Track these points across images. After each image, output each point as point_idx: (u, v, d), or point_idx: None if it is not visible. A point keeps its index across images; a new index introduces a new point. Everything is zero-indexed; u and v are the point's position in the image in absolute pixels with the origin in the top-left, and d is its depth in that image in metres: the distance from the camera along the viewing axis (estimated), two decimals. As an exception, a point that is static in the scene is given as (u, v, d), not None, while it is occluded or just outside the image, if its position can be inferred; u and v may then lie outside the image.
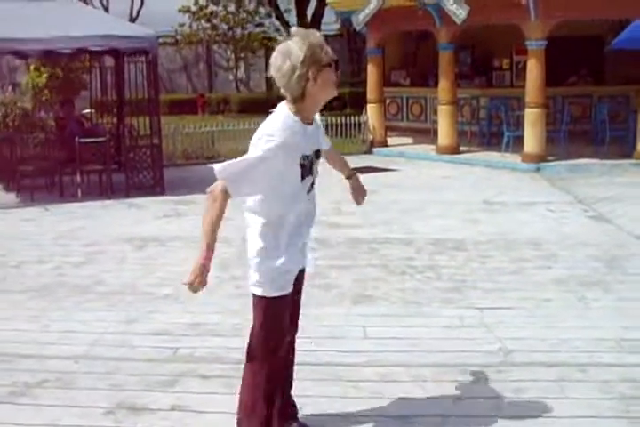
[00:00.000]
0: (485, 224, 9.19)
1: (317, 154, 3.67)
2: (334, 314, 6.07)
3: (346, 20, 18.81)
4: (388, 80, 18.20)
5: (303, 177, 3.55)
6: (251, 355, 3.78)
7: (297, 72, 3.33)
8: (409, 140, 17.04)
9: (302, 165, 3.50)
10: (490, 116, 16.28)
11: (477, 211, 10.00)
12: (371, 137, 16.39)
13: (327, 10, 20.81)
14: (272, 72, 3.44)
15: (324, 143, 3.85)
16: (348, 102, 24.41)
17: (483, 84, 17.74)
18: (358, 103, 19.69)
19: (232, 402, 4.50)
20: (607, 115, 14.90)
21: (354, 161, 14.68)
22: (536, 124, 13.58)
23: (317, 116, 3.72)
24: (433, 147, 15.35)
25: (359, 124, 16.56)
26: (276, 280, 3.61)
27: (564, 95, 16.31)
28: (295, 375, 4.86)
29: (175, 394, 4.67)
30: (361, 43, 23.52)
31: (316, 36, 3.41)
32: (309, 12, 21.95)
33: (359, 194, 4.24)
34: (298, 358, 5.10)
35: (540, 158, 13.62)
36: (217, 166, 3.35)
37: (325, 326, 5.74)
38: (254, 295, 3.68)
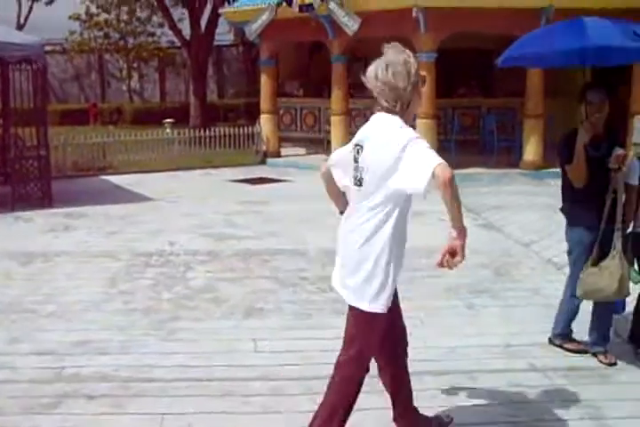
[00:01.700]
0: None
1: None
2: (225, 328, 5.96)
3: (239, 30, 18.80)
4: (281, 91, 18.23)
5: None
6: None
7: (412, 83, 3.48)
8: (302, 150, 17.10)
9: None
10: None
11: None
12: (264, 148, 16.35)
13: (221, 20, 20.67)
14: (381, 81, 3.52)
15: None
16: (243, 113, 24.37)
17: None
18: (252, 114, 19.65)
19: (118, 423, 4.37)
20: (495, 126, 15.31)
21: (247, 172, 14.75)
22: (427, 134, 13.75)
23: None
24: (326, 157, 15.36)
25: (253, 135, 16.49)
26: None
27: (454, 106, 16.67)
28: (186, 391, 4.78)
29: (59, 416, 4.48)
30: (255, 53, 23.50)
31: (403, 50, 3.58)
32: (203, 22, 21.77)
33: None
34: (188, 373, 5.02)
35: (430, 168, 13.82)
36: (439, 163, 3.39)
37: (216, 341, 5.65)
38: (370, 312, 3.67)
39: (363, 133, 3.73)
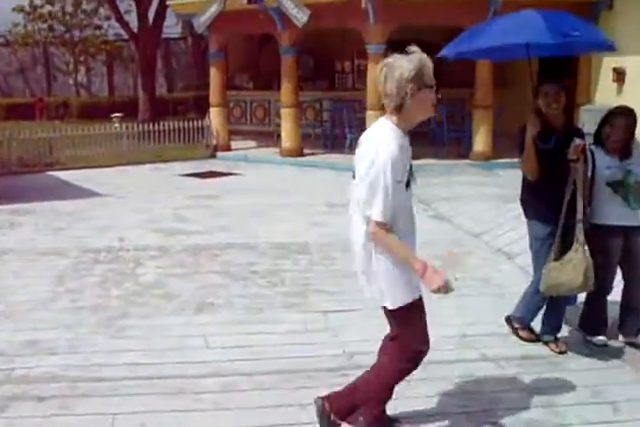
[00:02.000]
0: (329, 226, 9.23)
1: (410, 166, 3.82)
2: (175, 324, 5.89)
3: (188, 22, 18.60)
4: (231, 83, 18.11)
5: (408, 185, 3.79)
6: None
7: (404, 87, 3.52)
8: (253, 143, 17.02)
9: (409, 173, 3.75)
10: (333, 118, 16.49)
11: (321, 213, 10.04)
12: (214, 141, 16.23)
13: (169, 12, 20.42)
14: (379, 83, 3.61)
15: None
16: (192, 106, 24.17)
17: (325, 86, 17.95)
18: (202, 107, 19.49)
19: (68, 424, 4.28)
20: (445, 117, 15.39)
21: (197, 166, 14.63)
22: (376, 126, 13.81)
23: None
24: (277, 150, 15.37)
25: (202, 129, 16.35)
26: None
27: (405, 98, 16.69)
28: (136, 390, 4.71)
29: (6, 420, 4.37)
30: (205, 46, 23.30)
31: (427, 58, 3.63)
32: (150, 14, 21.48)
33: None
34: (138, 372, 4.95)
35: (381, 160, 13.86)
36: (378, 217, 3.60)
37: (166, 337, 5.58)
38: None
39: (365, 133, 3.88)
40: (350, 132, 14.79)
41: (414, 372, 4.87)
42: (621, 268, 5.32)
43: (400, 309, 3.82)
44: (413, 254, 3.68)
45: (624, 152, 5.15)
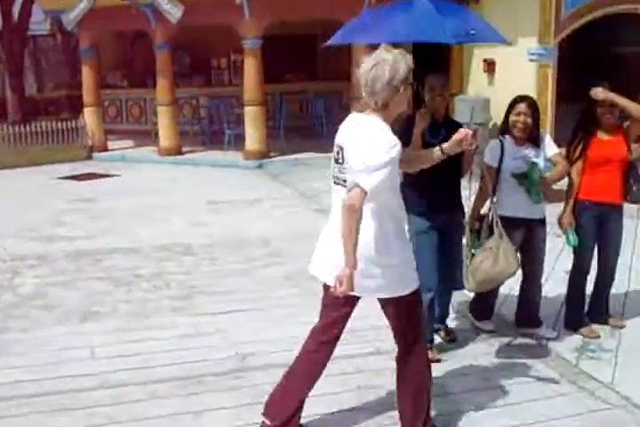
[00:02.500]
0: (213, 225, 9.11)
1: None
2: (58, 335, 5.64)
3: (56, 19, 17.99)
4: (105, 82, 17.63)
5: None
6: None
7: (393, 83, 3.53)
8: (130, 142, 16.60)
9: None
10: (210, 115, 16.31)
11: (204, 212, 9.90)
12: (90, 142, 15.75)
13: (35, 8, 19.66)
14: (364, 79, 3.58)
15: None
16: (65, 106, 23.39)
17: (201, 83, 17.73)
18: (75, 107, 18.87)
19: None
20: (323, 110, 15.47)
21: (73, 168, 14.15)
22: (256, 121, 13.77)
23: None
24: (155, 149, 15.05)
25: (77, 129, 15.83)
26: None
27: (282, 92, 16.69)
28: (19, 410, 4.49)
29: None
30: (75, 43, 22.57)
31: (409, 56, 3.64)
32: (15, 10, 20.64)
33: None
34: (20, 390, 4.72)
35: (262, 155, 13.84)
36: (367, 185, 3.49)
37: (49, 351, 5.33)
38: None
39: (342, 135, 3.78)
40: (229, 128, 14.66)
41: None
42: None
43: (405, 298, 3.80)
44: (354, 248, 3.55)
45: (532, 142, 5.23)
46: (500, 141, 5.22)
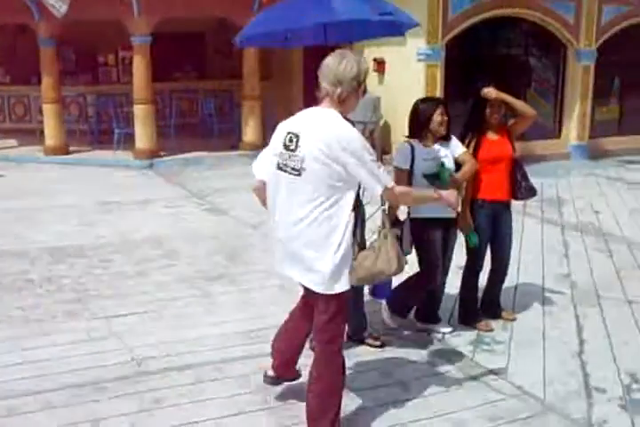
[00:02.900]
0: (104, 227, 8.89)
1: None
2: (-55, 345, 5.39)
3: None
4: (-16, 78, 16.97)
5: None
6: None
7: (356, 79, 3.78)
8: (14, 142, 16.01)
9: None
10: (98, 113, 15.93)
11: (94, 213, 9.65)
12: (-29, 141, 15.14)
13: None
14: (332, 71, 3.76)
15: None
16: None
17: (89, 80, 17.29)
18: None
19: None
20: (213, 108, 15.35)
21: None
22: (145, 120, 13.54)
23: None
24: (41, 148, 14.58)
25: (-44, 128, 15.19)
26: None
27: (172, 90, 16.46)
28: None
29: None
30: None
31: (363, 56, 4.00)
32: None
33: None
34: None
35: (153, 154, 13.62)
36: (389, 183, 3.78)
37: None
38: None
39: (298, 123, 3.88)
40: (118, 127, 14.34)
41: (206, 373, 4.85)
42: None
43: (338, 295, 3.84)
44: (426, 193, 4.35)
45: (443, 140, 5.30)
46: (410, 144, 5.24)
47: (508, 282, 6.17)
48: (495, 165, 5.50)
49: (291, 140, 3.80)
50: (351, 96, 3.82)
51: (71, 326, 5.72)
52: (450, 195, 4.19)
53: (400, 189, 3.94)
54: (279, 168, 3.86)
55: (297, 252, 3.85)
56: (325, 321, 3.91)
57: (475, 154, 5.45)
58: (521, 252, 7.41)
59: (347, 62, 3.78)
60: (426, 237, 5.22)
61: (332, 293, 3.83)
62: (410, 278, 5.50)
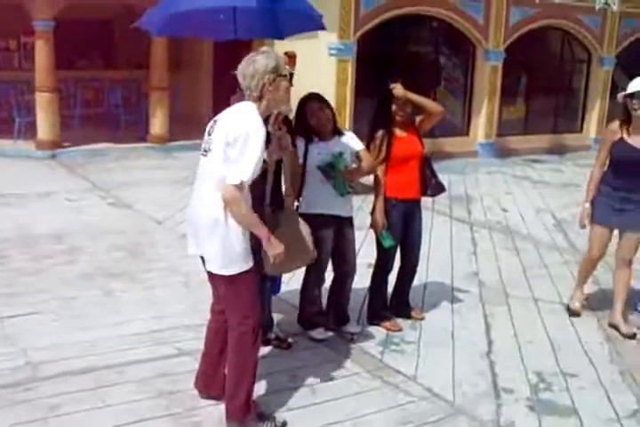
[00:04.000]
0: (1, 221, 8.46)
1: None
2: None
3: None
4: None
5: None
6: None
7: (257, 77, 3.88)
8: None
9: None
10: (-2, 100, 15.27)
11: (-9, 206, 9.20)
12: None
13: None
14: (239, 76, 3.96)
15: None
16: None
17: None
18: None
19: None
20: (120, 99, 14.90)
21: None
22: (48, 108, 13.01)
23: None
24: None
25: None
26: None
27: (76, 79, 15.87)
28: None
29: None
30: None
31: (278, 53, 4.04)
32: None
33: None
34: None
35: (56, 145, 13.10)
36: (241, 177, 3.73)
37: None
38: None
39: (223, 112, 4.04)
40: (19, 115, 13.76)
41: (106, 377, 4.61)
42: (332, 261, 5.39)
43: (232, 277, 3.92)
44: (260, 222, 3.92)
45: (336, 134, 5.18)
46: (305, 138, 5.11)
47: (417, 280, 6.14)
48: (406, 163, 5.42)
49: (212, 126, 3.98)
50: (266, 91, 3.91)
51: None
52: (276, 247, 3.91)
53: (237, 196, 3.73)
54: (201, 153, 4.01)
55: (197, 231, 3.99)
56: (227, 303, 4.07)
57: (386, 152, 5.35)
58: (430, 249, 7.37)
59: (256, 59, 3.92)
60: (316, 235, 4.77)
61: (225, 274, 3.92)
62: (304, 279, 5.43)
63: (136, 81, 15.81)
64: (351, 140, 5.26)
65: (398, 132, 5.41)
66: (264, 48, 4.08)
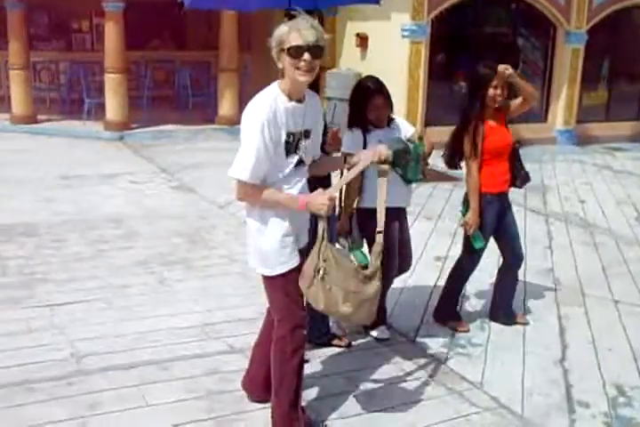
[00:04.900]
0: (62, 203, 8.34)
1: (307, 133, 3.52)
2: None
3: None
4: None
5: (288, 153, 3.44)
6: None
7: (273, 50, 3.34)
8: (-20, 108, 15.37)
9: (287, 142, 3.41)
10: (70, 81, 15.26)
11: (54, 187, 9.09)
12: None
13: None
14: None
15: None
16: None
17: (62, 47, 16.63)
18: None
19: None
20: (189, 80, 14.74)
21: None
22: (117, 90, 12.95)
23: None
24: (8, 116, 13.94)
25: None
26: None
27: (147, 60, 15.79)
28: None
29: None
30: None
31: (303, 19, 3.30)
32: None
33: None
34: None
35: (124, 126, 13.04)
36: (239, 175, 3.38)
37: None
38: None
39: None
40: (89, 96, 13.73)
41: (151, 374, 4.37)
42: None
43: (265, 277, 3.62)
44: (292, 196, 3.46)
45: (387, 123, 4.81)
46: (361, 127, 4.73)
47: (489, 276, 5.74)
48: (500, 155, 4.99)
49: None
50: (283, 65, 3.34)
51: (10, 315, 5.20)
52: (314, 200, 3.37)
53: (247, 189, 3.39)
54: None
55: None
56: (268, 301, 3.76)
57: (481, 145, 4.92)
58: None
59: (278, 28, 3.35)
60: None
61: (259, 273, 3.63)
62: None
63: (206, 62, 15.64)
64: (402, 124, 4.89)
65: (491, 121, 4.95)
66: (302, 16, 3.38)
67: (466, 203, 5.08)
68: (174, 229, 7.40)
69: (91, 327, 5.00)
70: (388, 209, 4.58)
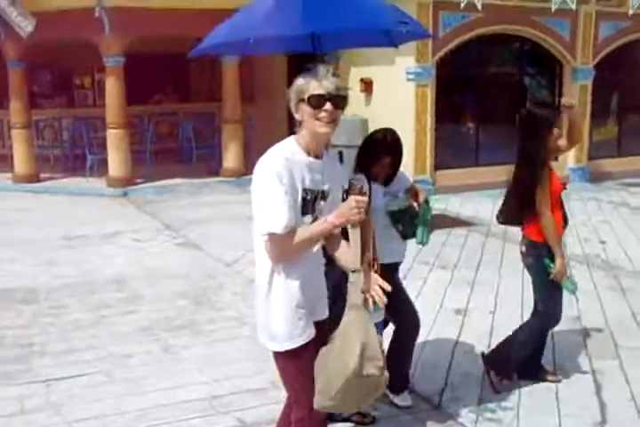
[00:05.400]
0: (63, 265, 8.03)
1: (324, 194, 3.19)
2: None
3: None
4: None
5: (303, 213, 3.10)
6: None
7: (291, 102, 3.12)
8: (-17, 169, 15.17)
9: (304, 199, 3.10)
10: (73, 138, 15.09)
11: (57, 248, 8.79)
12: None
13: None
14: None
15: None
16: None
17: (64, 103, 16.55)
18: None
19: None
20: (193, 133, 14.55)
21: None
22: (119, 145, 12.75)
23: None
24: (10, 175, 13.73)
25: None
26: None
27: (150, 114, 15.67)
28: None
29: None
30: None
31: (323, 70, 3.09)
32: None
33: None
34: None
35: (127, 182, 12.80)
36: (265, 230, 3.05)
37: None
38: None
39: None
40: (91, 152, 13.54)
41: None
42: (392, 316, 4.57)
43: (274, 353, 3.23)
44: (319, 222, 3.09)
45: (390, 178, 4.47)
46: (366, 175, 4.31)
47: (512, 326, 5.34)
48: (558, 200, 4.71)
49: None
50: (302, 117, 3.09)
51: (5, 394, 4.85)
52: (340, 214, 3.01)
53: (277, 246, 3.06)
54: None
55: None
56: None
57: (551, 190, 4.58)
58: (524, 288, 6.57)
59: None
60: (394, 282, 4.02)
61: (269, 348, 3.24)
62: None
63: (210, 113, 15.49)
64: (402, 175, 4.54)
65: (551, 163, 4.64)
66: (322, 65, 3.19)
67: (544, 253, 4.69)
68: (179, 291, 7.07)
69: (89, 405, 4.64)
70: (388, 265, 4.23)
